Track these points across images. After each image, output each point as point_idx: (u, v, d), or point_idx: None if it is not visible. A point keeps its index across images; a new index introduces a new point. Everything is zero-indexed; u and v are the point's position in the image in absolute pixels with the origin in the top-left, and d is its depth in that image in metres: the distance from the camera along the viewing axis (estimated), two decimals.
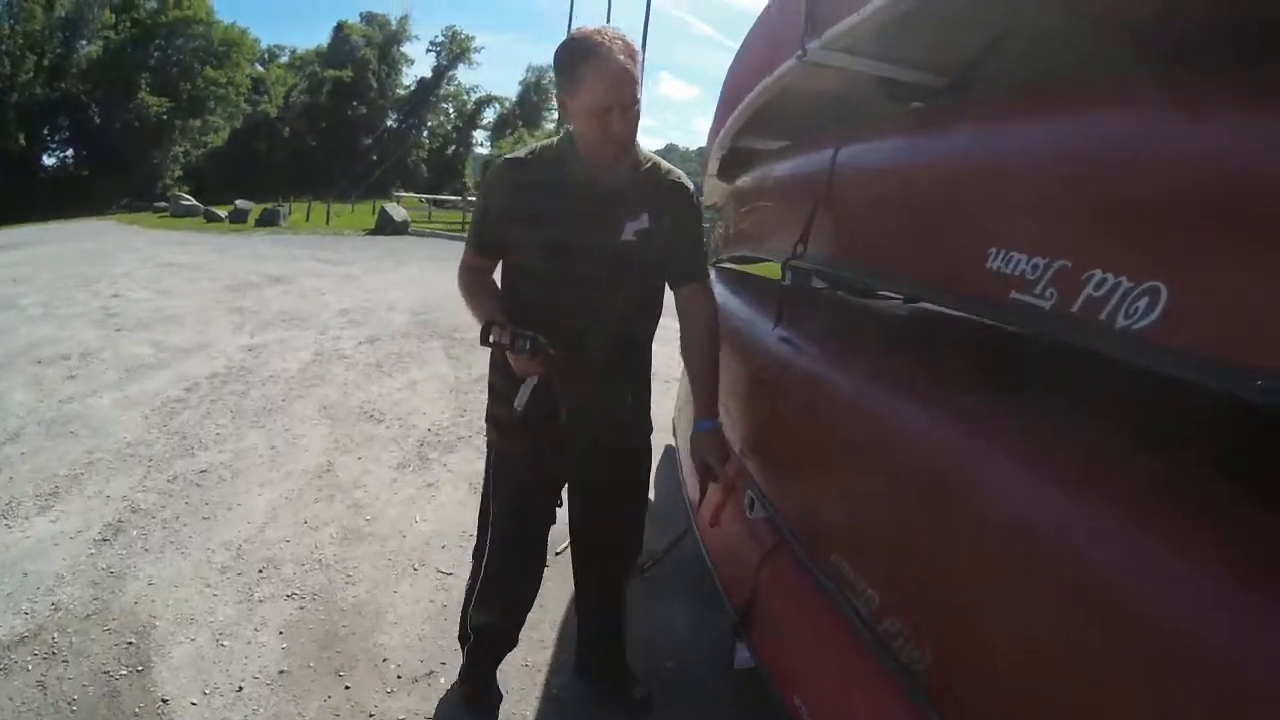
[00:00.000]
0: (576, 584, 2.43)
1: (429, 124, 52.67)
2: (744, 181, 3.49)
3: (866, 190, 2.09)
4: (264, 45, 49.23)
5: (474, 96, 53.86)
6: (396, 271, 13.17)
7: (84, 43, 38.72)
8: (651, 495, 2.39)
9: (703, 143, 5.49)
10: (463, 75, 55.27)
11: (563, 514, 2.24)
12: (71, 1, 37.59)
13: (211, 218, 23.96)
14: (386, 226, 21.69)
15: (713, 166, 3.84)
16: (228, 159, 42.11)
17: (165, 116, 39.53)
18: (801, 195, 2.41)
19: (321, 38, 50.60)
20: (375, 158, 42.92)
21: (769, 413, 2.31)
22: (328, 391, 5.74)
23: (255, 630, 2.73)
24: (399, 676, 2.54)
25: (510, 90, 56.60)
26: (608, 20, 15.54)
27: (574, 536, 2.34)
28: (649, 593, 2.88)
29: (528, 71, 54.85)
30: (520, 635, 2.39)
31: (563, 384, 1.84)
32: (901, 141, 2.00)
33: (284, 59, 50.93)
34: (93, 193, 33.54)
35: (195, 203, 26.47)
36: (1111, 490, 1.17)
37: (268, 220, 22.79)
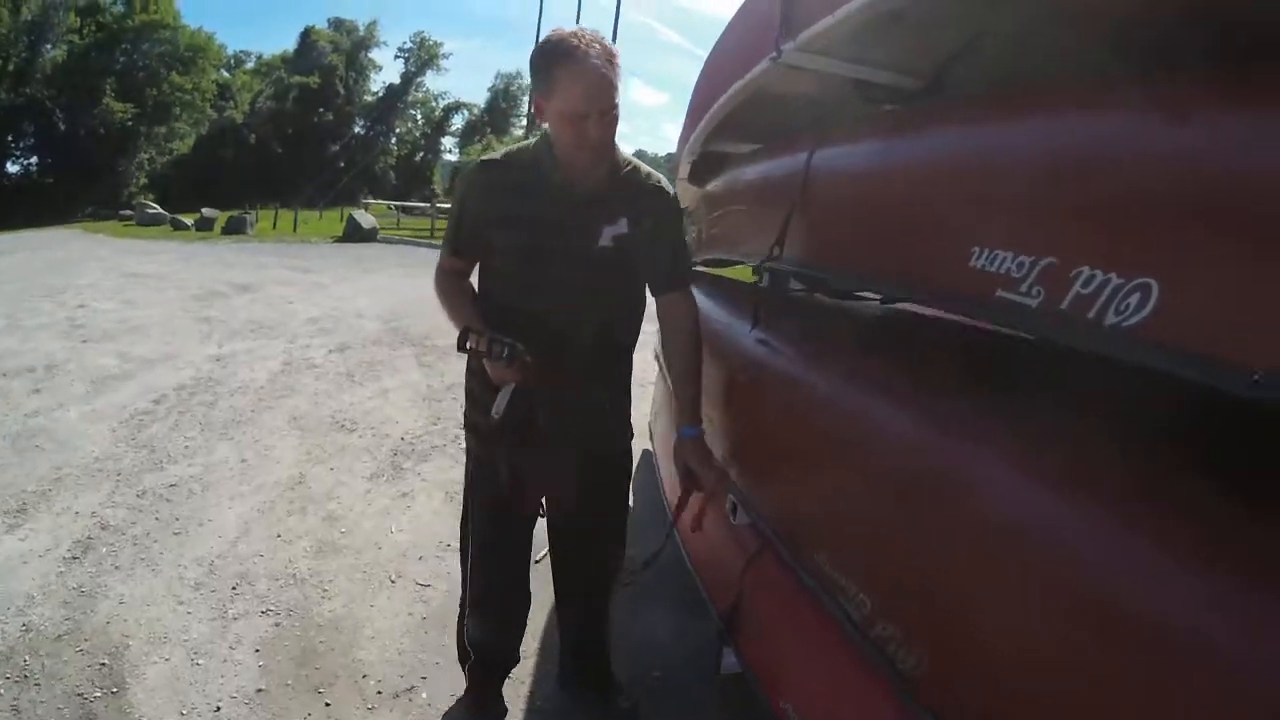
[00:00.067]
0: (557, 593, 2.39)
1: (397, 130, 52.54)
2: (716, 185, 3.49)
3: (844, 192, 2.09)
4: (230, 51, 48.89)
5: (443, 103, 53.92)
6: (365, 279, 13.12)
7: (49, 47, 38.10)
8: (631, 501, 2.37)
9: (672, 148, 5.50)
10: (431, 81, 55.10)
11: (542, 521, 2.21)
12: (38, 5, 36.97)
13: (178, 226, 23.79)
14: (355, 234, 21.61)
15: (684, 170, 3.83)
16: (193, 166, 41.69)
17: (130, 123, 39.02)
18: (776, 198, 2.40)
19: (288, 43, 50.27)
20: (343, 165, 42.77)
21: (749, 416, 2.30)
22: (298, 401, 5.67)
23: (230, 648, 2.67)
24: (379, 692, 2.50)
25: (479, 97, 56.62)
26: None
27: (554, 544, 2.30)
28: (632, 600, 2.86)
29: (496, 78, 54.99)
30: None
31: (541, 390, 1.81)
32: (879, 143, 2.00)
33: (250, 65, 50.46)
34: (57, 201, 33.10)
35: (161, 211, 26.28)
36: (1100, 489, 1.17)
37: (234, 228, 22.65)
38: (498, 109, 53.82)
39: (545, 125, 1.85)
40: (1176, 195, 1.09)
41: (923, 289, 1.67)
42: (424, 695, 2.50)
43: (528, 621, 2.31)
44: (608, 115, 1.74)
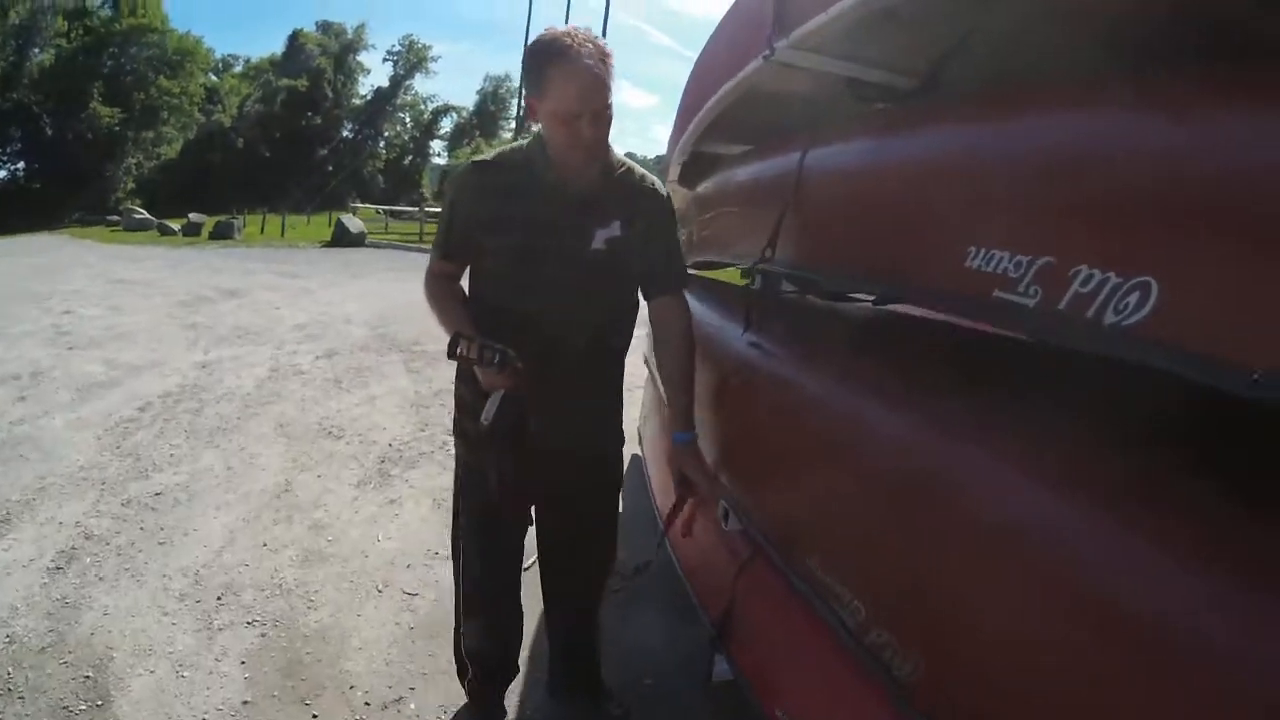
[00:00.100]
0: (546, 600, 2.35)
1: (385, 134, 52.43)
2: (706, 187, 3.46)
3: (838, 192, 2.06)
4: (218, 54, 48.61)
5: (431, 106, 53.73)
6: (353, 284, 13.08)
7: (36, 51, 37.88)
8: (620, 506, 2.34)
9: (661, 151, 5.48)
10: (420, 84, 54.84)
11: (531, 528, 2.19)
12: (26, 9, 36.76)
13: (165, 231, 23.71)
14: (343, 238, 21.54)
15: (674, 173, 3.80)
16: (181, 171, 41.46)
17: (118, 128, 38.77)
18: (768, 199, 2.38)
19: (276, 46, 49.99)
20: (331, 168, 42.63)
21: (741, 421, 2.27)
22: (284, 408, 5.62)
23: (216, 660, 2.63)
24: (367, 704, 2.46)
25: (467, 100, 56.65)
26: None
27: (543, 551, 2.27)
28: (623, 606, 2.83)
29: (485, 81, 54.85)
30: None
31: (532, 396, 1.78)
32: (874, 142, 1.98)
33: (238, 68, 50.24)
34: (45, 206, 32.86)
35: (148, 216, 26.18)
36: (1097, 491, 1.15)
37: (222, 233, 22.56)
38: (486, 112, 53.74)
39: (537, 126, 1.83)
40: (1176, 193, 1.08)
41: (918, 290, 1.65)
42: (412, 706, 2.46)
43: (523, 631, 2.28)
44: (601, 115, 1.71)
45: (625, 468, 2.27)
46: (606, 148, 1.84)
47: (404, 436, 5.13)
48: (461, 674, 2.35)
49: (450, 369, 2.00)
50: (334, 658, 2.68)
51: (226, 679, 2.54)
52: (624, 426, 2.18)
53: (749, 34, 2.20)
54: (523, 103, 1.97)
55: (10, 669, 2.51)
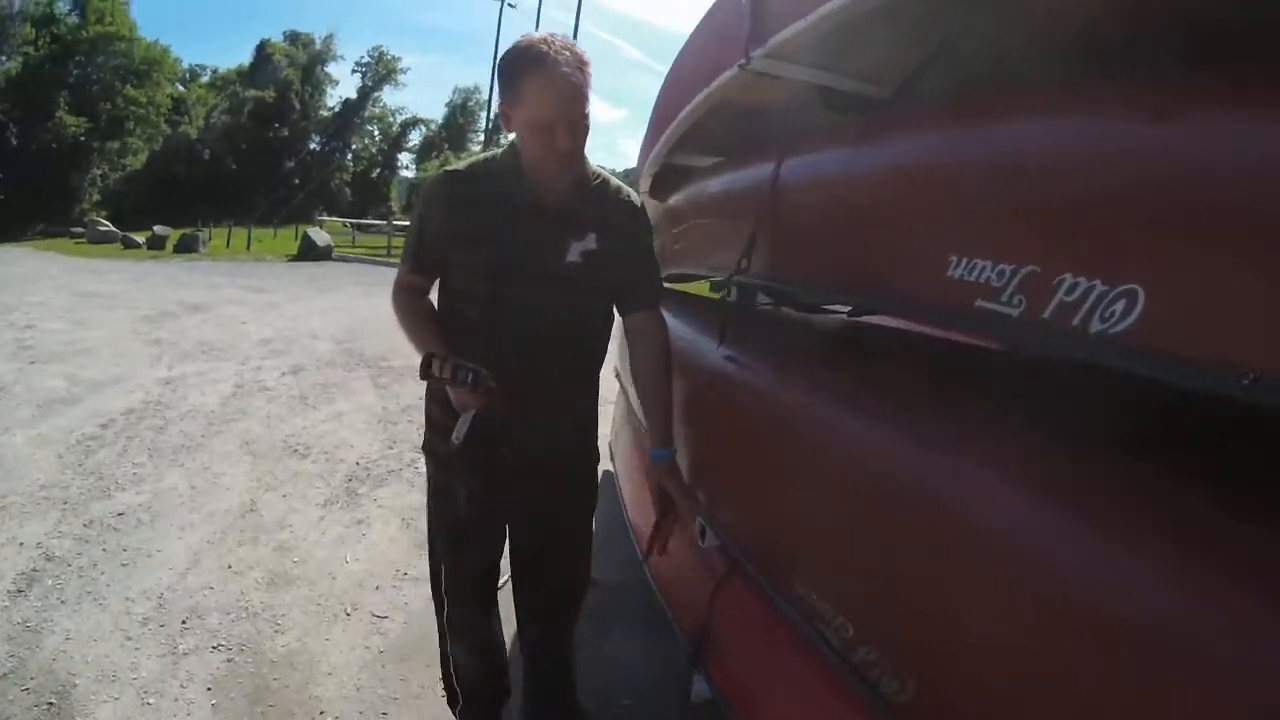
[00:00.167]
0: (519, 619, 2.29)
1: (353, 146, 51.83)
2: (678, 199, 3.44)
3: (814, 202, 2.05)
4: (186, 64, 47.74)
5: (400, 118, 53.28)
6: (320, 299, 12.97)
7: (3, 59, 37.19)
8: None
9: (630, 164, 5.47)
10: (389, 96, 54.35)
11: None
12: None
13: (129, 244, 23.37)
14: (309, 252, 21.34)
15: (645, 185, 3.78)
16: (146, 182, 40.74)
17: (84, 138, 38.10)
18: (743, 210, 2.36)
19: (245, 56, 49.34)
20: (298, 181, 42.19)
21: (718, 436, 2.25)
22: (250, 426, 5.52)
23: (182, 686, 2.55)
24: None
25: (436, 112, 56.12)
26: None
27: (516, 570, 2.21)
28: (598, 625, 2.78)
29: (454, 93, 54.40)
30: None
31: (504, 414, 1.73)
32: (852, 151, 1.96)
33: (206, 78, 49.60)
34: (7, 218, 32.11)
35: (112, 228, 25.77)
36: (1086, 502, 1.14)
37: (186, 246, 22.26)
38: (455, 125, 53.44)
39: (511, 136, 1.79)
40: (1160, 199, 1.07)
41: (899, 300, 1.64)
42: None
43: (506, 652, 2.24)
44: (578, 124, 1.68)
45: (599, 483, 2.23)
46: (582, 158, 1.80)
47: (372, 454, 5.06)
48: (452, 702, 2.29)
49: (418, 385, 1.95)
50: (303, 683, 2.61)
51: (193, 706, 2.46)
52: (599, 443, 2.14)
53: (723, 44, 2.19)
54: (495, 112, 1.93)
55: None
